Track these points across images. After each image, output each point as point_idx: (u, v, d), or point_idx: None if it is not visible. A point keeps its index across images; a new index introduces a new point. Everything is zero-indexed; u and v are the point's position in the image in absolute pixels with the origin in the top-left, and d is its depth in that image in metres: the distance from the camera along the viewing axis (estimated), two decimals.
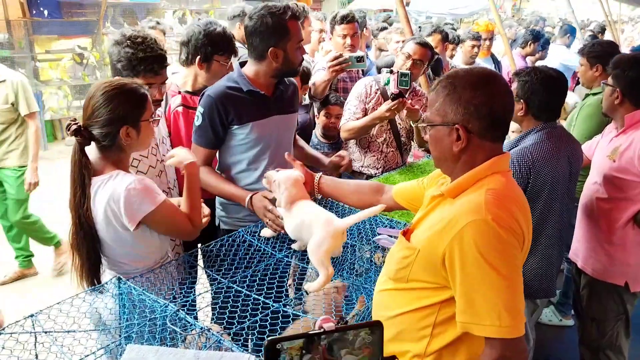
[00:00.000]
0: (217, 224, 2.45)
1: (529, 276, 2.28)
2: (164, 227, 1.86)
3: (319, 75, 3.42)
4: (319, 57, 3.87)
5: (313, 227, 1.81)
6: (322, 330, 0.86)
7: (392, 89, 2.90)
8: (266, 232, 2.13)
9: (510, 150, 2.25)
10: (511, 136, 3.62)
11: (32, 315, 1.56)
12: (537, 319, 2.62)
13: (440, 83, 1.40)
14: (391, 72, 2.92)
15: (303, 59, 2.23)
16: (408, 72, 2.90)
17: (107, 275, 1.85)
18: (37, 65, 7.89)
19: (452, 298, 1.32)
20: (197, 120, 2.23)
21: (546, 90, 2.25)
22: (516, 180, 2.14)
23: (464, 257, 1.25)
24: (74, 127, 1.73)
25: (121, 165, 1.81)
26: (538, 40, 5.78)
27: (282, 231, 2.04)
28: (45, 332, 1.52)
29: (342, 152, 2.54)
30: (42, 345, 1.51)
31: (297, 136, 2.63)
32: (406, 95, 2.90)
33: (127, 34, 2.08)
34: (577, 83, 4.61)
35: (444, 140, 1.39)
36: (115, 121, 1.72)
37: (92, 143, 1.78)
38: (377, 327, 0.89)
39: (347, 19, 3.52)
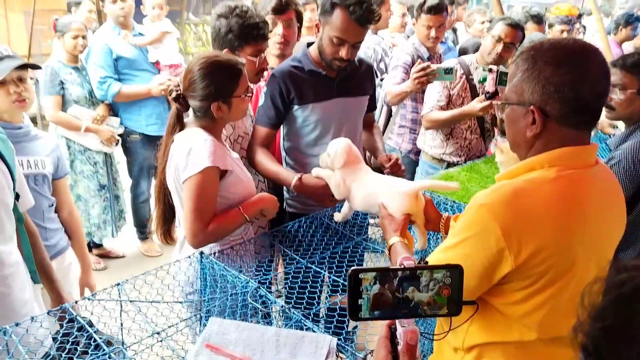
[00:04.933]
0: (284, 207, 2.42)
1: None
2: (187, 202, 1.73)
3: (396, 76, 3.26)
4: (396, 50, 3.68)
5: (381, 194, 1.67)
6: (402, 266, 0.86)
7: (488, 87, 2.72)
8: (338, 217, 2.00)
9: (619, 145, 2.06)
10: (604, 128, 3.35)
11: (118, 284, 1.59)
12: None
13: (521, 55, 1.21)
14: (490, 70, 2.73)
15: (338, 55, 2.07)
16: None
17: (180, 234, 1.94)
18: None
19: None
20: (261, 100, 2.21)
21: None
22: (629, 178, 1.97)
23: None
24: (174, 93, 1.82)
25: (212, 132, 1.83)
26: (631, 23, 5.32)
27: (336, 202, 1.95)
28: (131, 301, 1.55)
29: (393, 155, 2.24)
30: (127, 314, 1.54)
31: (374, 123, 2.53)
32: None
33: (231, 6, 2.10)
34: None
35: (518, 122, 1.21)
36: (208, 96, 1.77)
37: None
38: (456, 269, 0.87)
39: (436, 10, 3.24)
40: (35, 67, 2.17)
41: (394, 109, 3.55)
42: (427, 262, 0.89)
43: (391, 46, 3.96)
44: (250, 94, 1.87)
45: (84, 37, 3.50)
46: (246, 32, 2.09)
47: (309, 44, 2.23)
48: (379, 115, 3.64)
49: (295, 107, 2.18)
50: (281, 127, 2.30)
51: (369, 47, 3.73)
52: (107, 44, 3.66)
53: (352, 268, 0.86)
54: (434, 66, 2.84)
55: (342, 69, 2.17)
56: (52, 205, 2.20)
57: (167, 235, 1.95)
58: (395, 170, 2.14)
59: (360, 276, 0.86)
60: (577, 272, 1.17)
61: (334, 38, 2.04)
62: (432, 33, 3.31)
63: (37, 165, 2.10)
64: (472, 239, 1.15)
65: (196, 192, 1.71)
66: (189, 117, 1.89)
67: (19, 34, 7.63)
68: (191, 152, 1.72)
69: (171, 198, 1.88)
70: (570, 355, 1.26)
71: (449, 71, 2.81)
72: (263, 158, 2.13)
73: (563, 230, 1.14)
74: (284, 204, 2.42)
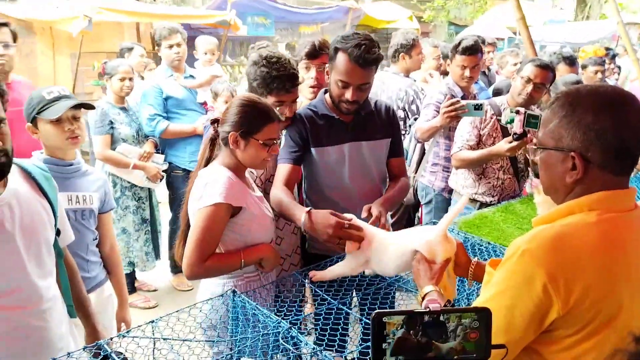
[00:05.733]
0: (306, 247, 2.41)
1: None
2: (192, 232, 1.77)
3: (427, 114, 3.29)
4: (429, 89, 3.69)
5: (413, 247, 1.61)
6: (427, 309, 0.85)
7: (516, 129, 2.71)
8: (317, 275, 1.82)
9: None
10: None
11: (152, 322, 1.60)
12: None
13: (558, 100, 1.22)
14: (517, 112, 2.73)
15: (344, 98, 2.10)
16: (539, 114, 2.69)
17: None
18: None
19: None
20: (281, 142, 2.23)
21: None
22: None
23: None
24: (214, 117, 1.91)
25: (235, 171, 1.86)
26: None
27: (358, 246, 1.69)
28: (164, 339, 1.56)
29: (374, 210, 1.95)
30: (160, 352, 1.54)
31: (404, 177, 2.37)
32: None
33: (263, 55, 2.18)
34: None
35: (556, 168, 1.21)
36: (233, 125, 1.82)
37: None
38: (484, 313, 0.86)
39: (471, 51, 3.30)
40: (90, 107, 2.28)
41: (426, 146, 3.55)
42: (453, 305, 0.87)
43: (422, 89, 3.97)
44: (271, 145, 1.86)
45: (130, 80, 3.67)
46: (268, 82, 2.14)
47: (326, 91, 2.28)
48: (412, 154, 3.65)
49: (312, 148, 2.21)
50: (302, 169, 2.29)
51: (401, 89, 3.77)
52: (158, 84, 3.87)
53: (376, 311, 0.85)
54: (463, 102, 2.86)
55: (354, 112, 2.18)
56: (96, 238, 2.28)
57: None
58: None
59: (384, 320, 0.85)
60: (624, 317, 1.14)
61: (339, 82, 2.08)
62: (467, 73, 3.36)
63: (85, 200, 2.18)
64: (516, 288, 1.12)
65: (203, 224, 1.75)
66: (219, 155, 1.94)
67: (65, 74, 8.04)
68: (207, 185, 1.77)
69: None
70: None
71: (478, 107, 2.82)
72: (279, 193, 2.06)
73: (609, 274, 1.12)
74: (307, 244, 2.41)
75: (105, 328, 2.21)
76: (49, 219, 1.71)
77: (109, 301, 2.34)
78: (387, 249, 1.66)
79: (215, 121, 1.90)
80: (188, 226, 1.90)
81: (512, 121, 2.75)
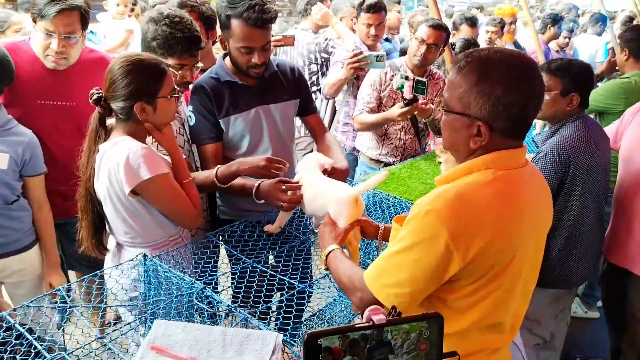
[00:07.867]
0: (217, 214, 2.40)
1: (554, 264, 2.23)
2: (161, 202, 1.76)
3: (335, 71, 3.33)
4: (338, 49, 3.74)
5: (324, 200, 1.72)
6: (370, 323, 0.73)
7: (406, 94, 2.80)
8: (270, 227, 1.96)
9: (545, 141, 2.22)
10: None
11: (59, 290, 1.56)
12: (564, 312, 2.52)
13: (468, 65, 1.24)
14: (406, 77, 2.82)
15: (252, 63, 2.04)
16: (425, 80, 2.79)
17: (111, 242, 1.90)
18: None
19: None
20: (191, 120, 2.14)
21: (591, 80, 2.25)
22: (554, 168, 2.12)
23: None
24: (95, 96, 1.73)
25: (138, 137, 1.76)
26: (557, 22, 5.63)
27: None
28: (73, 307, 1.52)
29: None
30: (69, 320, 1.51)
31: (326, 134, 2.39)
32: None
33: (164, 13, 2.02)
34: (599, 79, 4.46)
35: (460, 132, 1.27)
36: (130, 96, 1.69)
37: None
38: (435, 320, 0.76)
39: (375, 9, 3.35)
40: None
41: (337, 106, 3.60)
42: (399, 314, 0.77)
43: (332, 39, 3.99)
44: (176, 95, 1.80)
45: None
46: (171, 43, 1.99)
47: (225, 55, 2.16)
48: (324, 113, 3.69)
49: (220, 120, 2.12)
50: None
51: (310, 43, 3.78)
52: None
53: (309, 332, 0.73)
54: (365, 53, 2.94)
55: (260, 75, 2.11)
56: (14, 201, 2.13)
57: (100, 246, 1.86)
58: None
59: (319, 342, 0.72)
60: (516, 263, 1.26)
61: (242, 49, 2.01)
62: (372, 31, 3.42)
63: None
64: (421, 244, 1.19)
65: (160, 192, 1.72)
66: (113, 121, 1.82)
67: None
68: (130, 166, 1.65)
69: (100, 208, 1.81)
70: (502, 339, 1.35)
71: (380, 58, 2.91)
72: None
73: (504, 228, 1.22)
74: (217, 211, 2.39)
75: (5, 302, 2.08)
76: None
77: (30, 271, 2.20)
78: (305, 191, 1.82)
79: (98, 100, 1.73)
80: (93, 208, 1.81)
81: (402, 87, 2.86)
